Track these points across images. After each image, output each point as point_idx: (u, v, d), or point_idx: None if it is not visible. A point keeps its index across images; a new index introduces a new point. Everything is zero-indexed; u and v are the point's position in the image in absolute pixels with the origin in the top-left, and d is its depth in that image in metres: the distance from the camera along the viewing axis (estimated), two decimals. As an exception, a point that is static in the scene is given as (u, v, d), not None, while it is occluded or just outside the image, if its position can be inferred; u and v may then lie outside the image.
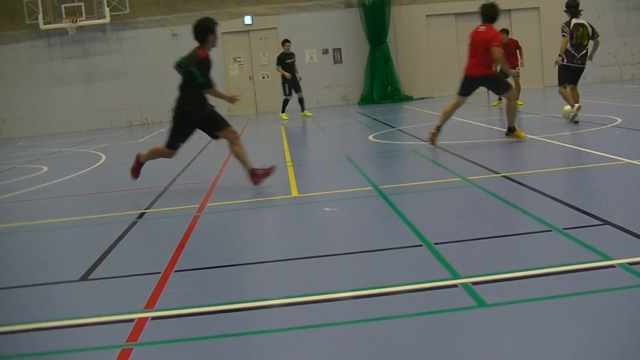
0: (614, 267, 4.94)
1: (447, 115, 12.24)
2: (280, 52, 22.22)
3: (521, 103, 19.26)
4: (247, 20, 26.88)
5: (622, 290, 4.52)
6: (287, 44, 22.03)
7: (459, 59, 27.91)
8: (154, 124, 26.89)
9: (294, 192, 9.02)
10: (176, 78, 9.46)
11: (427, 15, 27.75)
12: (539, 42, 28.03)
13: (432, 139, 11.97)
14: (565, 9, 14.27)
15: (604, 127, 13.18)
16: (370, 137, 14.31)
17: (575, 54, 13.85)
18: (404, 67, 27.79)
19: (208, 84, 9.30)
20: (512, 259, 5.43)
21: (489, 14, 11.89)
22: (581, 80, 14.38)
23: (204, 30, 9.27)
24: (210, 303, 4.92)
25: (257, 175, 9.38)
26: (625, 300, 4.37)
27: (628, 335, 3.89)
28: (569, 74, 14.01)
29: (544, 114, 17.22)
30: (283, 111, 22.25)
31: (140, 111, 27.47)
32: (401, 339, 4.10)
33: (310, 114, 22.69)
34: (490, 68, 11.92)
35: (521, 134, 11.98)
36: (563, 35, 13.93)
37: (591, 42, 13.95)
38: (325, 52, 27.61)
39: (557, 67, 14.04)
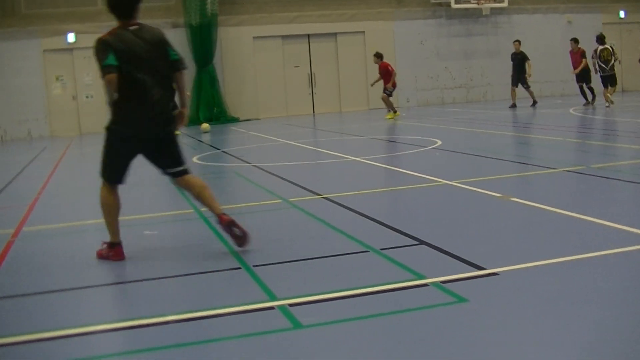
0: (428, 285, 5.05)
1: None
2: None
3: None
4: (71, 38, 26.00)
5: (434, 308, 4.62)
6: None
7: (285, 81, 28.20)
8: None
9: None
10: None
11: (254, 37, 27.82)
12: (364, 65, 28.63)
13: None
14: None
15: (424, 148, 13.58)
16: (195, 159, 14.16)
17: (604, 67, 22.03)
18: (230, 88, 27.71)
19: None
20: (329, 279, 5.45)
21: None
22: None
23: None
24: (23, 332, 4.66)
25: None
26: (437, 318, 4.47)
27: (441, 353, 3.96)
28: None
29: (366, 136, 17.59)
30: None
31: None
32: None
33: None
34: None
35: None
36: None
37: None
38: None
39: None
